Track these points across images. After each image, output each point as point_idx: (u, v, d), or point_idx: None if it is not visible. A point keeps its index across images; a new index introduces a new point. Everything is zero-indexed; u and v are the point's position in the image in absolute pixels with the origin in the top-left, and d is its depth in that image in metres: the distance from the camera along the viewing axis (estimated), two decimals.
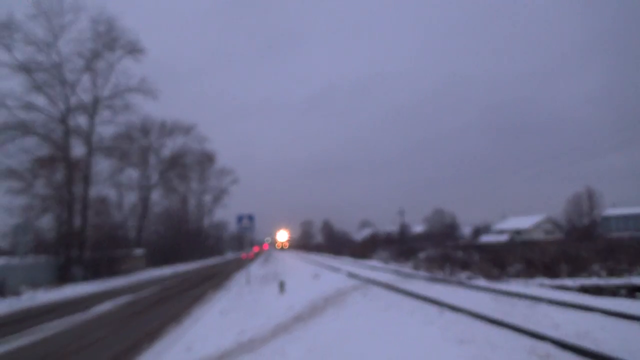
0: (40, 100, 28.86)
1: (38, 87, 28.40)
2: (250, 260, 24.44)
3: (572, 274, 21.51)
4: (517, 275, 22.79)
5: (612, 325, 5.45)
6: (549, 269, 23.02)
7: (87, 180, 30.43)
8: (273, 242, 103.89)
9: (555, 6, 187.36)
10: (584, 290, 14.32)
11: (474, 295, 8.74)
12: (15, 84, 27.64)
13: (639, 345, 4.46)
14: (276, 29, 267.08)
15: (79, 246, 29.03)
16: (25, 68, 27.69)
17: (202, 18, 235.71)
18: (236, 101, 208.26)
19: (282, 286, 13.46)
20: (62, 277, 25.80)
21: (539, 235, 64.06)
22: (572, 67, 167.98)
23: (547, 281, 18.38)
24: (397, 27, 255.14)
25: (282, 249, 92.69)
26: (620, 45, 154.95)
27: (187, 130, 54.01)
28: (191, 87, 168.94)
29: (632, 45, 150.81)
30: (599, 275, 20.17)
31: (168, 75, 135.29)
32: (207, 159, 64.05)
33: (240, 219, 19.20)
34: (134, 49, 32.90)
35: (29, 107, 28.02)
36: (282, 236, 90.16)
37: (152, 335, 10.36)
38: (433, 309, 7.17)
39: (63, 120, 29.68)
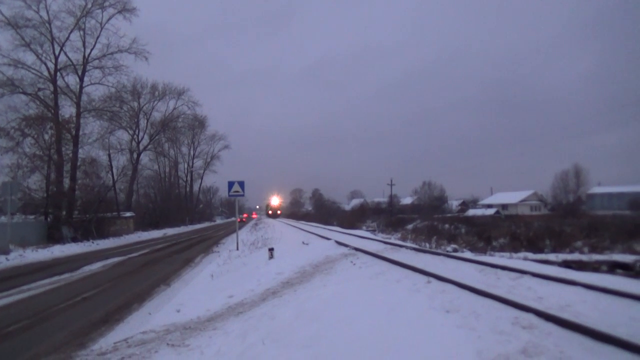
0: (28, 57, 28.18)
1: (26, 44, 27.60)
2: (240, 225, 24.53)
3: (555, 249, 22.01)
4: (502, 248, 23.28)
5: (593, 299, 5.60)
6: (533, 244, 23.54)
7: (76, 140, 30.00)
8: (265, 209, 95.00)
9: None
10: (567, 265, 14.66)
11: (460, 266, 8.91)
12: (2, 39, 26.96)
13: (617, 319, 4.60)
14: (273, 1, 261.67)
15: (67, 207, 28.89)
16: (13, 24, 26.82)
17: None
18: (232, 70, 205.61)
19: (271, 252, 13.59)
20: (51, 237, 25.77)
21: (525, 211, 65.04)
22: (568, 48, 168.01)
23: (531, 255, 18.80)
24: (393, 1, 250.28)
25: (274, 215, 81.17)
26: (615, 28, 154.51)
27: (179, 93, 53.25)
28: (188, 54, 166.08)
29: (627, 28, 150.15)
30: (581, 251, 20.66)
31: (165, 41, 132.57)
32: (198, 123, 63.37)
33: (231, 185, 19.20)
34: (125, 8, 31.92)
35: (17, 64, 27.31)
36: (275, 202, 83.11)
37: (141, 296, 10.48)
38: (420, 278, 7.31)
39: (51, 79, 29.04)
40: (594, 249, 20.80)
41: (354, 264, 9.97)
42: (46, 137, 28.75)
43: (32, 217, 26.86)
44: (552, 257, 18.23)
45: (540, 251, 21.24)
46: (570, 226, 27.62)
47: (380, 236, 26.67)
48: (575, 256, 18.91)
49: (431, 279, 7.12)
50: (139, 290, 11.25)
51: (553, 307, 5.10)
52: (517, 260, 12.85)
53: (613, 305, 5.25)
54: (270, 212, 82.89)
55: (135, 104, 47.75)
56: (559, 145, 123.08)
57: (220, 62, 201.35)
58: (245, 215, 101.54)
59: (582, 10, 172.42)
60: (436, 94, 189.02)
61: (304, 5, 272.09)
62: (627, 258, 17.69)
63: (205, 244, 27.52)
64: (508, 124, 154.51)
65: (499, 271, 7.93)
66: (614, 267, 16.41)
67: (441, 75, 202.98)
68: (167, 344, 5.81)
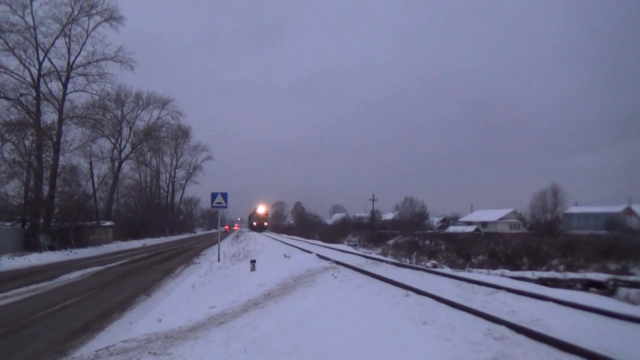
0: (11, 62, 27.86)
1: (9, 49, 27.34)
2: (222, 237, 24.43)
3: (532, 266, 22.51)
4: (481, 265, 23.70)
5: (564, 313, 5.83)
6: (511, 261, 24.03)
7: (57, 147, 29.66)
8: (247, 220, 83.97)
9: (534, 12, 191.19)
10: (542, 282, 15.04)
11: (439, 281, 9.12)
12: None
13: (584, 332, 4.84)
14: (264, 16, 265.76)
15: (45, 214, 28.45)
16: None
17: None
18: (219, 81, 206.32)
19: (253, 264, 13.64)
20: (28, 244, 25.29)
21: (504, 228, 66.02)
22: (546, 71, 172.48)
23: (508, 272, 19.21)
24: (380, 21, 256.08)
25: (259, 228, 66.30)
26: (591, 54, 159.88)
27: (163, 103, 52.86)
28: (175, 64, 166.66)
29: (602, 54, 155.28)
30: (557, 269, 21.16)
31: (154, 51, 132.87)
32: (182, 133, 63.00)
33: (214, 196, 19.21)
34: (111, 17, 31.90)
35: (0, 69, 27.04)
36: (261, 211, 70.33)
37: (122, 305, 10.46)
38: (399, 292, 7.48)
39: (34, 84, 28.77)
40: (569, 268, 21.33)
41: (335, 277, 10.11)
42: (27, 143, 28.43)
43: (8, 224, 26.38)
44: (528, 274, 18.63)
45: (518, 268, 21.68)
46: (547, 245, 28.29)
47: (361, 251, 26.85)
48: (551, 274, 19.38)
49: (410, 292, 7.30)
50: (119, 299, 11.20)
51: (524, 320, 5.32)
52: (494, 276, 13.13)
53: (581, 319, 5.49)
54: (255, 223, 68.81)
55: (119, 112, 47.28)
56: (537, 164, 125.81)
57: (208, 73, 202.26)
58: (226, 227, 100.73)
59: (560, 35, 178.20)
60: (419, 112, 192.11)
61: (294, 22, 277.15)
62: (601, 277, 18.18)
63: (186, 255, 27.35)
64: (489, 143, 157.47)
65: (476, 286, 8.15)
66: (588, 286, 16.86)
67: (424, 94, 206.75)
68: (149, 353, 5.87)
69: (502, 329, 4.79)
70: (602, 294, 12.65)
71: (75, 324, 8.38)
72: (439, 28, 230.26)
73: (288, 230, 73.94)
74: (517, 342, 4.40)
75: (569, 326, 5.14)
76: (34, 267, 18.88)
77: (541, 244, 28.16)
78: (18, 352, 6.62)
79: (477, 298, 7.05)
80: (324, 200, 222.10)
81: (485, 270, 19.36)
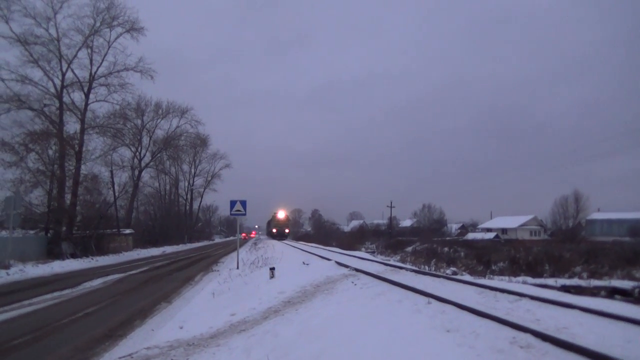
0: (35, 73, 28.55)
1: (34, 61, 28.03)
2: (240, 244, 24.51)
3: (554, 274, 22.11)
4: (502, 272, 23.36)
5: (590, 322, 5.72)
6: (532, 268, 23.63)
7: (79, 157, 30.24)
8: (266, 227, 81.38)
9: (554, 19, 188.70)
10: (566, 289, 14.76)
11: (460, 289, 9.02)
12: (10, 56, 27.35)
13: (613, 340, 4.72)
14: (283, 27, 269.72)
15: (68, 222, 28.95)
16: (22, 41, 27.31)
17: (215, 12, 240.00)
18: (237, 90, 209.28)
19: (272, 272, 13.67)
20: (51, 252, 25.73)
21: (524, 235, 64.99)
22: (566, 78, 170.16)
23: (530, 279, 18.90)
24: (398, 30, 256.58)
25: (280, 235, 61.63)
26: (612, 60, 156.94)
27: (182, 112, 53.43)
28: (195, 74, 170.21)
29: (624, 60, 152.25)
30: (580, 277, 20.73)
31: (174, 62, 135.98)
32: (200, 142, 63.61)
33: (233, 204, 19.34)
34: (133, 28, 32.53)
35: (24, 80, 27.66)
36: (281, 216, 65.49)
37: (143, 312, 10.56)
38: (420, 299, 7.41)
39: (58, 95, 29.41)
40: (592, 275, 20.89)
41: (355, 285, 10.07)
42: (50, 152, 28.99)
43: (32, 232, 26.91)
44: (550, 281, 18.31)
45: (540, 276, 21.32)
46: (570, 252, 27.72)
47: (379, 258, 26.71)
48: (575, 281, 19.02)
49: (431, 300, 7.23)
50: (141, 307, 11.32)
51: (550, 328, 5.23)
52: (516, 284, 12.94)
53: (609, 327, 5.37)
54: (274, 229, 63.47)
55: (139, 121, 48.03)
56: (558, 171, 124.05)
57: (227, 82, 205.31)
58: (244, 234, 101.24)
59: (581, 41, 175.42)
60: (438, 119, 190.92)
61: (312, 33, 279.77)
62: (626, 284, 17.78)
63: (205, 262, 27.53)
64: (509, 150, 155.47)
65: (498, 294, 8.05)
66: (613, 293, 16.50)
67: (443, 101, 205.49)
68: None
69: (528, 337, 4.71)
70: (628, 301, 12.36)
71: (98, 331, 8.48)
72: (457, 36, 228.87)
73: (305, 238, 73.89)
74: (543, 350, 4.33)
75: (596, 334, 5.02)
76: (57, 275, 19.18)
77: (563, 251, 27.61)
78: (44, 358, 6.73)
79: (500, 306, 6.95)
80: (341, 207, 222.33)
81: (506, 278, 19.09)
